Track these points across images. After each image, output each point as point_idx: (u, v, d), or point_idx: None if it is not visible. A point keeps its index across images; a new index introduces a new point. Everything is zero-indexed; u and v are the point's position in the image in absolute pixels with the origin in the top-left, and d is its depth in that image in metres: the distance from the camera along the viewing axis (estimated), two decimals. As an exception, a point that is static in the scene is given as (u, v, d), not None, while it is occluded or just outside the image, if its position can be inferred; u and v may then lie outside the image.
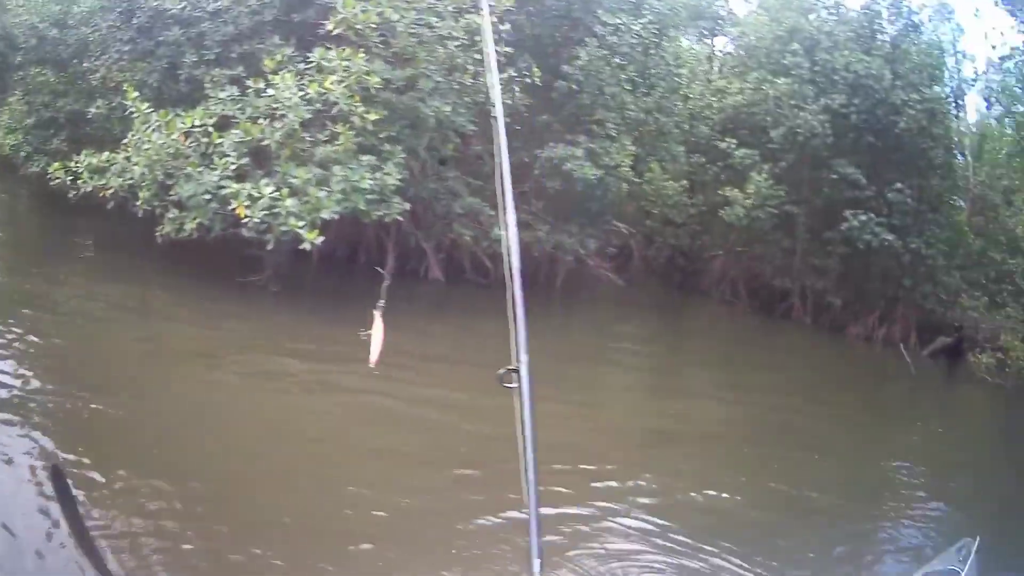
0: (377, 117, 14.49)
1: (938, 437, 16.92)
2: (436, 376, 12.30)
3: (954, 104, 30.14)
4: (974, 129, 32.71)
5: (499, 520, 7.48)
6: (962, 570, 6.28)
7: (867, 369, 24.55)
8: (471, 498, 8.19)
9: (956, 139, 29.02)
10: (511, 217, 3.66)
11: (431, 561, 6.82)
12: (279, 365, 11.32)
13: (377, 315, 4.47)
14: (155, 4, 16.74)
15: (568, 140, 20.62)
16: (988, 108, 23.80)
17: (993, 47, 35.02)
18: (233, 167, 13.48)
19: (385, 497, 7.70)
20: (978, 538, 6.88)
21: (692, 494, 9.67)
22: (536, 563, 3.17)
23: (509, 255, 3.56)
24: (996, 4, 20.49)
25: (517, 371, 3.41)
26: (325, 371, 11.43)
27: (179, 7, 16.38)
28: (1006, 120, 20.51)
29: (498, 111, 3.85)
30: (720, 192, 27.77)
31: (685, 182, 30.20)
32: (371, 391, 10.45)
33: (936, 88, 27.17)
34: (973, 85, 28.69)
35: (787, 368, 22.06)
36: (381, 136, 15.13)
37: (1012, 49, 19.20)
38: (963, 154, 29.81)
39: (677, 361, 19.97)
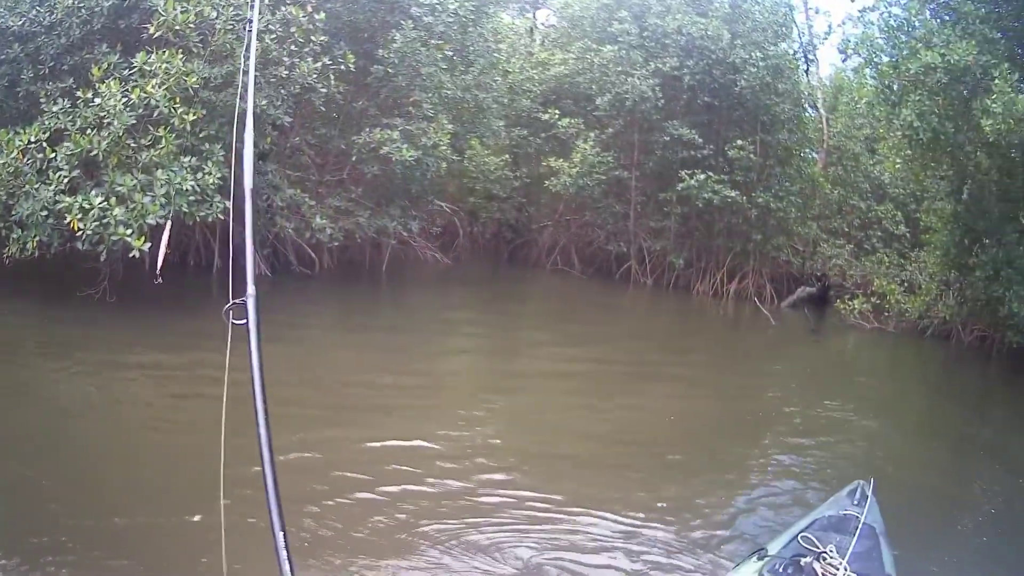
0: (196, 117, 15.80)
1: (815, 378, 19.26)
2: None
3: (804, 59, 33.15)
4: (828, 83, 36.06)
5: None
6: (860, 513, 6.97)
7: (722, 321, 26.79)
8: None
9: (807, 93, 31.79)
10: (248, 134, 4.08)
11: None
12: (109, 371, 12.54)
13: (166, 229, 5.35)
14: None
15: (385, 124, 22.07)
16: (844, 60, 26.10)
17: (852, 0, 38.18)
18: (66, 180, 14.63)
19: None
20: (872, 480, 7.69)
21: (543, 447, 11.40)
22: (280, 537, 3.29)
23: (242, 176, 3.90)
24: None
25: (245, 304, 3.68)
26: (154, 374, 12.76)
27: (19, 23, 17.08)
28: (866, 71, 22.82)
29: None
30: (545, 163, 30.01)
31: (507, 156, 32.24)
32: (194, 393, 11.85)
33: (783, 45, 29.80)
34: (826, 39, 31.74)
35: (630, 323, 24.52)
36: (201, 136, 16.41)
37: (876, 0, 21.45)
38: (814, 107, 32.85)
39: (515, 326, 21.66)
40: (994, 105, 17.04)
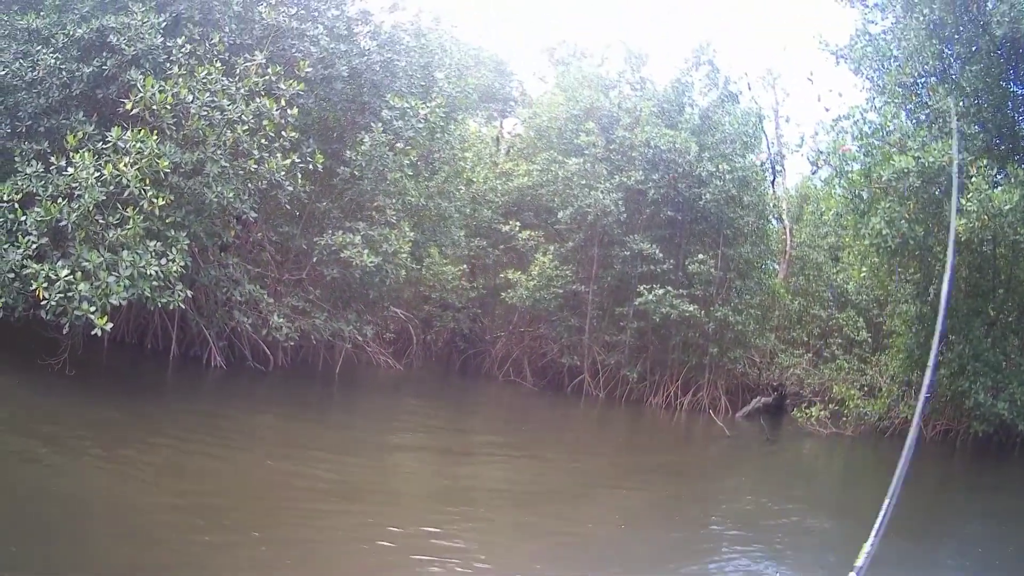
0: (164, 202, 15.73)
1: (770, 485, 19.15)
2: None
3: (772, 170, 33.75)
4: (793, 193, 36.70)
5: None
6: None
7: (675, 434, 26.53)
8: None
9: (772, 205, 32.20)
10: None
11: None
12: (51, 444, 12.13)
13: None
14: (-20, 72, 17.47)
15: (347, 227, 22.02)
16: (814, 172, 26.50)
17: (827, 109, 39.21)
18: (34, 246, 14.46)
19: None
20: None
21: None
22: None
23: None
24: (836, 63, 23.22)
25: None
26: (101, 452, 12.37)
27: (1, 74, 17.15)
28: (836, 181, 23.27)
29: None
30: (502, 275, 30.01)
31: (465, 266, 32.13)
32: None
33: (750, 156, 30.28)
34: (798, 150, 31.81)
35: (580, 435, 24.25)
36: (167, 221, 16.29)
37: (851, 108, 21.97)
38: (780, 218, 33.40)
39: (462, 436, 21.22)
40: (969, 204, 17.37)
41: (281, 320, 20.79)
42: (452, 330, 33.14)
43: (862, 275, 28.18)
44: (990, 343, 21.40)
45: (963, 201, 17.65)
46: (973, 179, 17.78)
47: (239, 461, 13.66)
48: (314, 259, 22.30)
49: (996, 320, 22.37)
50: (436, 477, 15.68)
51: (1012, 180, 17.89)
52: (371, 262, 21.24)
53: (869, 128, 21.17)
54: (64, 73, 17.42)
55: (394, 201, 23.48)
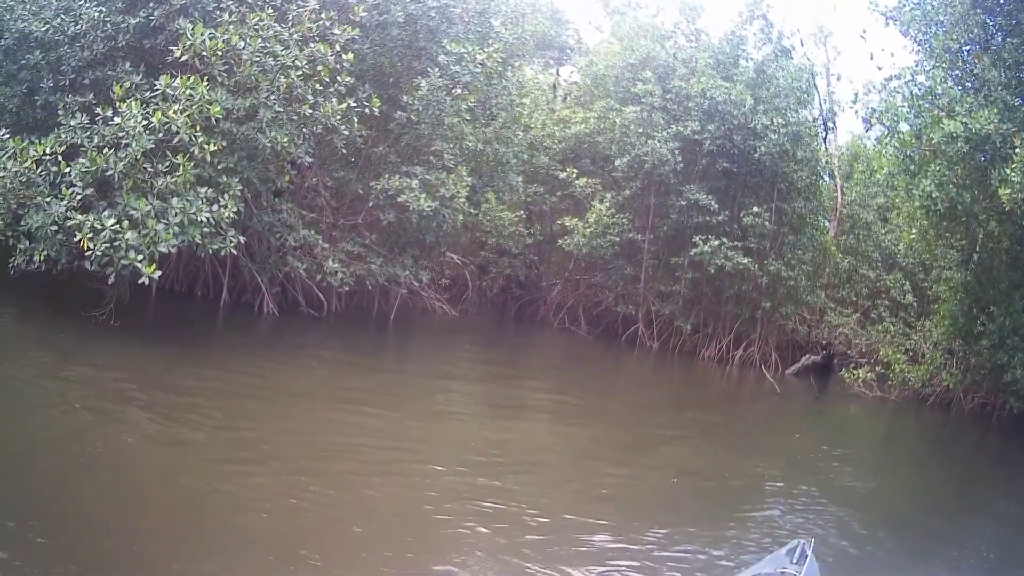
0: (216, 148, 15.59)
1: (816, 446, 18.89)
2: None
3: (824, 126, 33.01)
4: (844, 151, 35.85)
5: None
6: (799, 571, 7.08)
7: (727, 389, 26.35)
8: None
9: (824, 161, 31.50)
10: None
11: None
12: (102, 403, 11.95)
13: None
14: (22, 26, 17.34)
15: (404, 171, 21.76)
16: (867, 130, 25.88)
17: (879, 68, 38.18)
18: (79, 198, 14.34)
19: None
20: (813, 540, 7.80)
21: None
22: None
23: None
24: (886, 25, 22.64)
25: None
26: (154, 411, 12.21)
27: (42, 30, 17.05)
28: (888, 141, 22.66)
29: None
30: (559, 222, 29.71)
31: (522, 212, 31.84)
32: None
33: (803, 112, 29.62)
34: (852, 106, 30.38)
35: (638, 389, 23.90)
36: (219, 167, 16.16)
37: (902, 69, 21.40)
38: (832, 175, 32.66)
39: (518, 386, 20.87)
40: (1013, 174, 16.76)
41: (336, 265, 20.67)
42: (508, 276, 32.95)
43: (911, 237, 27.36)
44: None
45: (1007, 171, 17.09)
46: (1017, 150, 17.11)
47: (288, 412, 13.53)
48: (370, 204, 22.12)
49: None
50: (487, 429, 15.44)
51: None
52: (428, 206, 21.06)
53: (919, 90, 20.58)
54: (109, 25, 17.27)
55: (451, 146, 23.10)
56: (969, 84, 20.23)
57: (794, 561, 7.31)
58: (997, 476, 17.76)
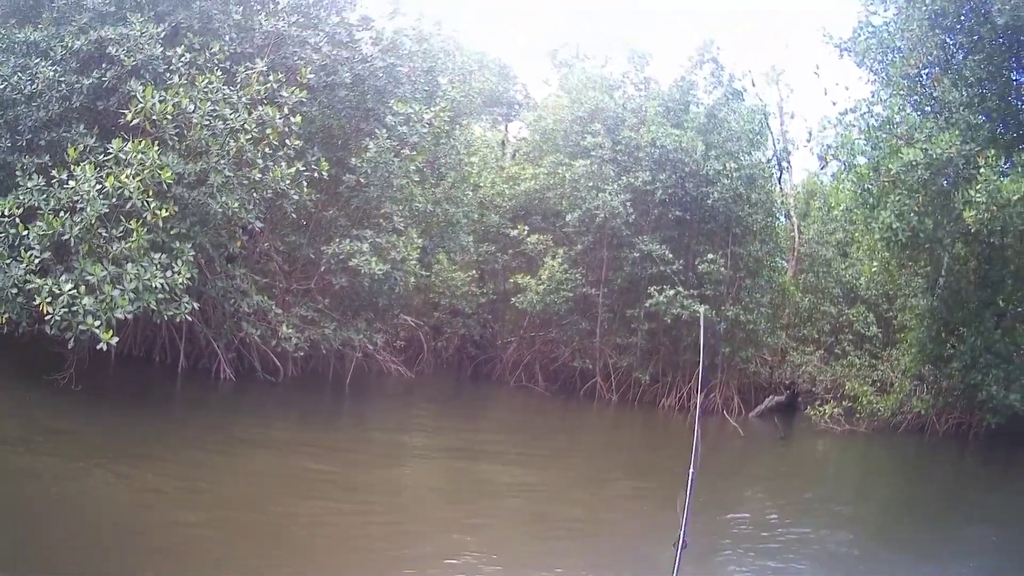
0: (168, 214, 15.54)
1: (787, 480, 19.12)
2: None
3: (778, 166, 33.43)
4: (800, 189, 36.35)
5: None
6: None
7: (690, 435, 25.55)
8: None
9: (779, 202, 31.76)
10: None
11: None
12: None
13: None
14: (-21, 84, 17.31)
15: (355, 235, 21.76)
16: (822, 167, 26.23)
17: (834, 103, 38.89)
18: (37, 261, 14.24)
19: None
20: None
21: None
22: None
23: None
24: (840, 57, 23.09)
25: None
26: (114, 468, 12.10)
27: (0, 87, 17.02)
28: (844, 176, 23.00)
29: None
30: (512, 280, 29.73)
31: (474, 272, 31.90)
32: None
33: (757, 154, 30.01)
34: (807, 144, 31.29)
35: (595, 438, 24.12)
36: (172, 233, 16.10)
37: (858, 101, 21.78)
38: (788, 215, 32.97)
39: (477, 442, 20.86)
40: (977, 195, 17.10)
41: (290, 330, 20.56)
42: (463, 336, 32.82)
43: (873, 270, 27.73)
44: (1000, 334, 21.16)
45: (971, 192, 17.40)
46: (982, 170, 17.49)
47: (251, 470, 13.41)
48: (322, 268, 22.04)
49: (1006, 311, 22.11)
50: (448, 479, 15.58)
51: (1020, 169, 17.57)
52: (380, 270, 20.99)
53: (876, 121, 20.94)
54: (63, 85, 17.26)
55: (401, 208, 23.18)
56: (928, 108, 20.64)
57: None
58: (979, 488, 17.87)
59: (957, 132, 18.12)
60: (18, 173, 15.89)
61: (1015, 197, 16.92)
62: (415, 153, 22.61)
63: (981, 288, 22.11)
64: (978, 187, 17.20)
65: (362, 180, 21.87)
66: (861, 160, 21.41)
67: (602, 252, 29.21)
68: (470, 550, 10.98)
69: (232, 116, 17.29)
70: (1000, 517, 14.94)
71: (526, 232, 29.52)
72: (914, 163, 18.30)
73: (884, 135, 20.18)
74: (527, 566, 10.85)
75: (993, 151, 17.95)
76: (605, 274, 29.36)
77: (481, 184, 30.14)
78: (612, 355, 29.70)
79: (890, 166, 19.11)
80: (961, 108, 19.15)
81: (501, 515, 13.55)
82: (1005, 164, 18.01)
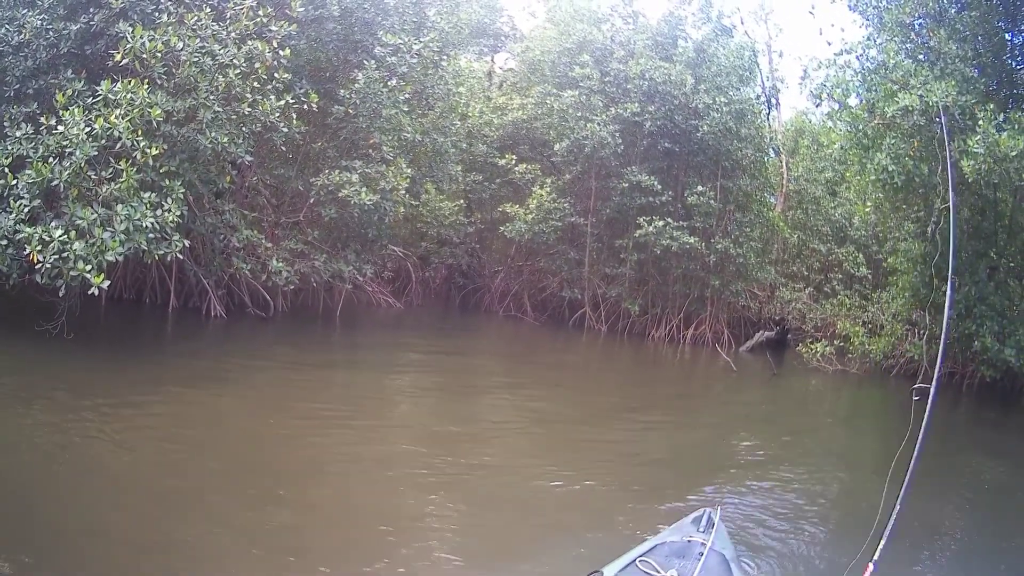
0: (158, 152, 15.23)
1: (779, 419, 18.88)
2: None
3: (767, 103, 33.16)
4: (789, 127, 36.23)
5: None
6: (706, 540, 6.96)
7: (681, 368, 25.99)
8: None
9: (769, 138, 31.55)
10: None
11: None
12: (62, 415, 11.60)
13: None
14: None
15: (344, 166, 21.50)
16: (817, 105, 25.85)
17: (828, 43, 38.38)
18: (27, 210, 13.89)
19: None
20: (719, 508, 7.72)
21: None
22: None
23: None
24: (832, 1, 22.89)
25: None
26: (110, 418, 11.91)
27: None
28: (839, 115, 22.70)
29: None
30: (500, 209, 29.58)
31: (462, 201, 31.70)
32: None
33: (746, 90, 29.65)
34: (801, 82, 30.74)
35: (586, 369, 23.80)
36: (161, 171, 15.77)
37: (852, 44, 21.40)
38: (777, 151, 32.83)
39: (466, 373, 20.69)
40: (975, 146, 16.89)
41: (280, 264, 20.33)
42: (450, 266, 32.93)
43: (867, 210, 27.48)
44: (994, 287, 21.02)
45: (970, 143, 17.17)
46: (980, 122, 17.29)
47: (240, 410, 13.30)
48: (311, 200, 21.85)
49: (998, 265, 21.93)
50: (437, 412, 15.48)
51: (1015, 127, 17.35)
52: (369, 200, 20.79)
53: (871, 64, 20.63)
54: (51, 33, 16.85)
55: (390, 138, 22.78)
56: (923, 57, 20.27)
57: (701, 529, 7.26)
58: (976, 441, 17.72)
59: (953, 83, 17.85)
60: (6, 123, 15.54)
61: (1013, 153, 16.72)
62: (403, 84, 22.26)
63: (975, 238, 21.88)
64: (976, 139, 16.99)
65: (351, 111, 21.50)
66: (854, 101, 21.15)
67: (590, 182, 29.11)
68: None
69: (221, 51, 16.89)
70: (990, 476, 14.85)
71: (514, 162, 29.31)
72: (910, 108, 17.99)
73: (879, 79, 19.87)
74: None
75: (992, 105, 17.70)
76: (594, 204, 29.26)
77: (469, 114, 29.72)
78: (601, 285, 29.73)
79: (885, 109, 18.84)
80: (956, 60, 18.84)
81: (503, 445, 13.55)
82: (1002, 121, 17.76)
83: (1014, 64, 21.33)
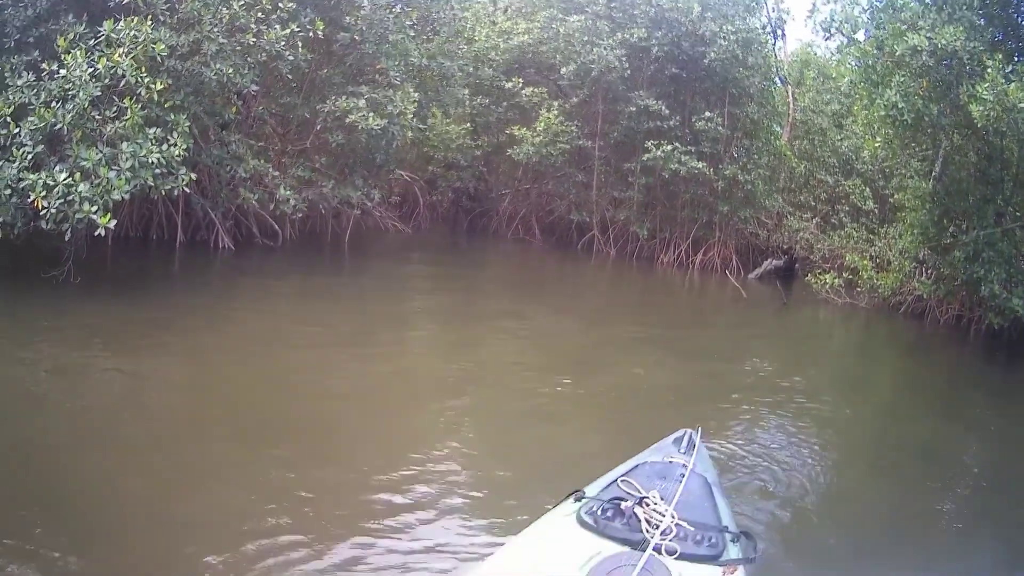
0: (163, 87, 14.95)
1: (789, 349, 19.09)
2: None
3: (773, 34, 32.59)
4: (794, 59, 35.70)
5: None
6: (687, 461, 6.91)
7: (690, 293, 26.01)
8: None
9: (776, 68, 31.30)
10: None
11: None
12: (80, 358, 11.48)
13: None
14: (-38, -12, 16.35)
15: (350, 92, 21.09)
16: (826, 39, 25.43)
17: None
18: (30, 157, 13.60)
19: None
20: (700, 428, 7.66)
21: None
22: None
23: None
24: None
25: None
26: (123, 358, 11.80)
27: None
28: (848, 50, 22.38)
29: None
30: (508, 131, 29.21)
31: (468, 125, 31.38)
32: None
33: (752, 19, 29.28)
34: (809, 15, 29.53)
35: (596, 293, 23.88)
36: (167, 106, 15.48)
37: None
38: (784, 80, 32.46)
39: (475, 299, 20.82)
40: (984, 93, 16.62)
41: (288, 192, 20.11)
42: (458, 189, 32.57)
43: (876, 145, 27.06)
44: (1000, 233, 20.72)
45: (979, 89, 16.92)
46: (989, 70, 16.95)
47: (249, 347, 13.22)
48: (318, 127, 21.50)
49: (1005, 212, 21.61)
50: (446, 342, 15.57)
51: (1023, 78, 17.01)
52: (376, 125, 20.42)
53: (880, 2, 20.28)
54: (52, -21, 16.41)
55: (396, 63, 22.39)
56: (930, 1, 19.88)
57: (681, 450, 7.22)
58: (982, 389, 17.36)
59: (961, 28, 17.50)
60: (7, 73, 15.13)
61: (1021, 104, 16.49)
62: (409, 9, 22.04)
63: (982, 183, 21.50)
64: (985, 85, 16.70)
65: (357, 37, 21.07)
66: (862, 36, 20.79)
67: (598, 106, 28.72)
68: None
69: (226, -18, 16.58)
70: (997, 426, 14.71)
71: (521, 85, 28.87)
72: (919, 48, 17.73)
73: (887, 17, 19.51)
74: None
75: (1000, 55, 17.36)
76: (601, 127, 28.95)
77: (475, 39, 29.38)
78: (609, 209, 29.55)
79: (894, 47, 18.53)
80: (963, 7, 18.46)
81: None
82: (1009, 71, 17.41)
83: (1020, 19, 20.92)
